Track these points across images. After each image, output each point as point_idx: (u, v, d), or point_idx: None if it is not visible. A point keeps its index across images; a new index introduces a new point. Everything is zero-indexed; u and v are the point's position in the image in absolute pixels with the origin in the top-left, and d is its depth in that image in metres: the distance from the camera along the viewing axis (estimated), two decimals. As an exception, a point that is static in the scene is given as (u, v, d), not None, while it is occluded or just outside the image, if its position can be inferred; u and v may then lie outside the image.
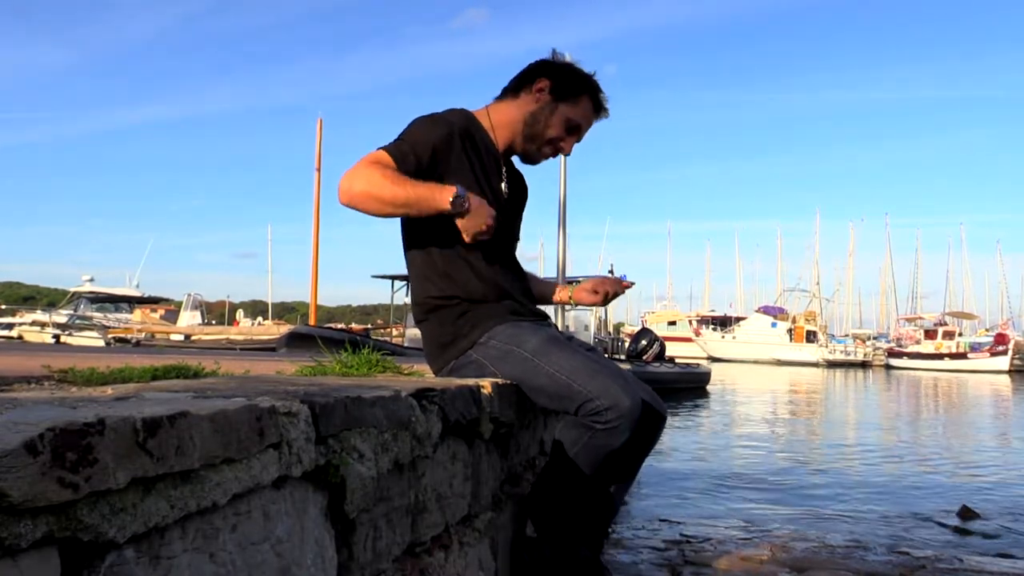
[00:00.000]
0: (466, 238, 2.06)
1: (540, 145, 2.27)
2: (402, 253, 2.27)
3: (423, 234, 2.17)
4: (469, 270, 2.16)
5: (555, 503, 2.16)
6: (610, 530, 2.93)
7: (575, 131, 2.28)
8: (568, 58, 2.38)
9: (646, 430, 2.22)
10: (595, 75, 2.29)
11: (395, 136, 2.10)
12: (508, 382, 2.10)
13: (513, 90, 2.27)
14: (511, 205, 2.33)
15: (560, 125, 2.24)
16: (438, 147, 2.07)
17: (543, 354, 2.08)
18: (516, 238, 2.43)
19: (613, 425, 1.97)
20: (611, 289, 2.56)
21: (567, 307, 2.76)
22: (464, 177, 2.11)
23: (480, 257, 2.17)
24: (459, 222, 2.03)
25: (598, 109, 2.30)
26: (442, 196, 1.98)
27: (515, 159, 2.38)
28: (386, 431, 1.41)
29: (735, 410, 14.86)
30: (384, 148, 2.04)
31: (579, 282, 2.61)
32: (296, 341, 18.03)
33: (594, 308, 20.35)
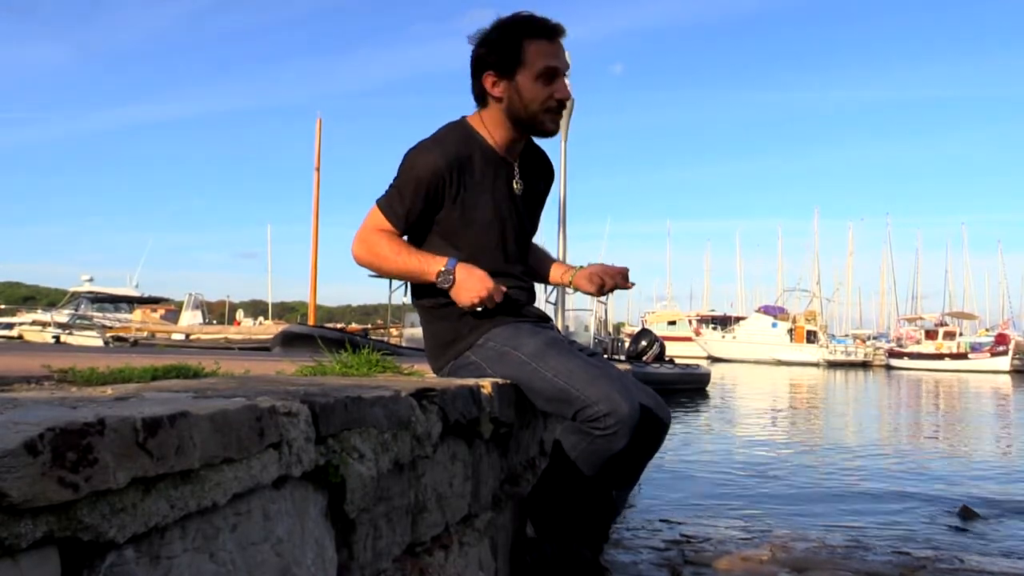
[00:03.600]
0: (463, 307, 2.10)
1: (537, 119, 2.16)
2: None
3: (428, 233, 2.19)
4: (491, 269, 2.14)
5: (555, 505, 2.16)
6: (611, 531, 2.94)
7: (552, 76, 2.11)
8: (484, 27, 2.18)
9: (647, 436, 2.21)
10: (518, 14, 2.13)
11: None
12: (508, 382, 2.10)
13: (479, 101, 2.21)
14: (527, 200, 2.31)
15: (535, 90, 2.10)
16: (428, 185, 2.10)
17: (540, 358, 2.07)
18: (534, 229, 2.43)
19: (611, 431, 1.96)
20: (609, 281, 2.42)
21: (567, 291, 2.62)
22: (459, 204, 2.14)
23: (486, 259, 2.16)
24: (451, 293, 2.09)
25: (549, 35, 2.11)
26: (431, 271, 2.09)
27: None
28: (386, 431, 1.41)
29: (735, 411, 14.86)
30: (379, 206, 2.14)
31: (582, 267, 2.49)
32: (290, 340, 17.98)
33: (594, 308, 20.35)
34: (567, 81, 2.17)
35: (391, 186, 2.15)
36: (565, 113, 2.29)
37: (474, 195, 2.16)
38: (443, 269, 2.07)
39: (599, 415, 1.96)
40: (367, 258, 2.16)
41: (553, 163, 2.52)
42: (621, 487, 2.36)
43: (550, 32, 2.11)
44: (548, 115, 2.16)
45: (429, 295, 2.20)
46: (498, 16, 2.16)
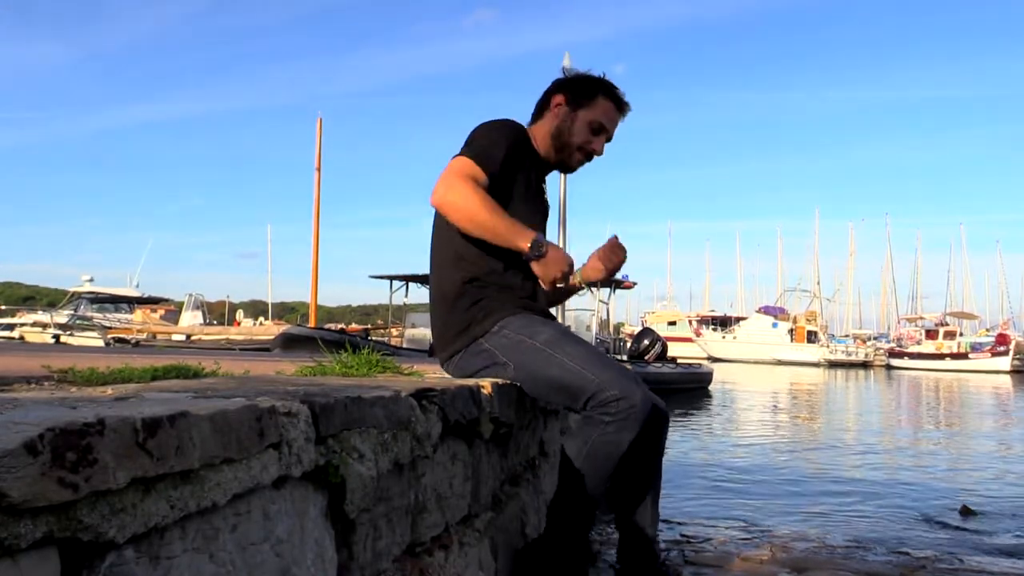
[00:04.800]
0: (544, 285, 2.21)
1: (571, 152, 2.39)
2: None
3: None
4: (507, 261, 2.23)
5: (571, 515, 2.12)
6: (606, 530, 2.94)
7: (600, 131, 2.38)
8: (576, 69, 2.49)
9: (654, 430, 2.24)
10: (605, 75, 2.41)
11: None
12: (508, 382, 2.11)
13: (538, 114, 2.43)
14: (544, 216, 2.48)
15: (583, 130, 2.36)
16: (511, 148, 2.21)
17: (555, 344, 2.10)
18: None
19: (623, 417, 1.97)
20: (614, 260, 2.49)
21: (580, 292, 2.75)
22: (516, 181, 2.26)
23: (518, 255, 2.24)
24: (534, 267, 2.17)
25: (618, 105, 2.40)
26: (523, 238, 2.12)
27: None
28: (386, 431, 1.41)
29: (737, 410, 14.86)
30: (469, 155, 2.14)
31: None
32: (291, 343, 17.95)
33: (595, 308, 20.34)
34: (605, 144, 2.42)
35: (474, 143, 2.18)
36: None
37: (527, 178, 2.31)
38: (536, 240, 2.12)
39: (612, 399, 1.97)
40: (460, 203, 2.09)
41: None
42: (644, 488, 2.36)
43: (620, 103, 2.42)
44: (579, 153, 2.39)
45: (449, 276, 2.23)
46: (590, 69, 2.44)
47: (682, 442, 8.60)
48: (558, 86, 2.41)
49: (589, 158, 2.42)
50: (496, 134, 2.21)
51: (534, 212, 2.34)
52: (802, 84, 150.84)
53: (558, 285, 2.19)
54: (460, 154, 2.15)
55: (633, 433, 1.99)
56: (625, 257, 2.53)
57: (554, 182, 13.30)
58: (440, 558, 1.72)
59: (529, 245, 2.12)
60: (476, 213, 2.08)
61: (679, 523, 4.09)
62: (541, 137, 2.39)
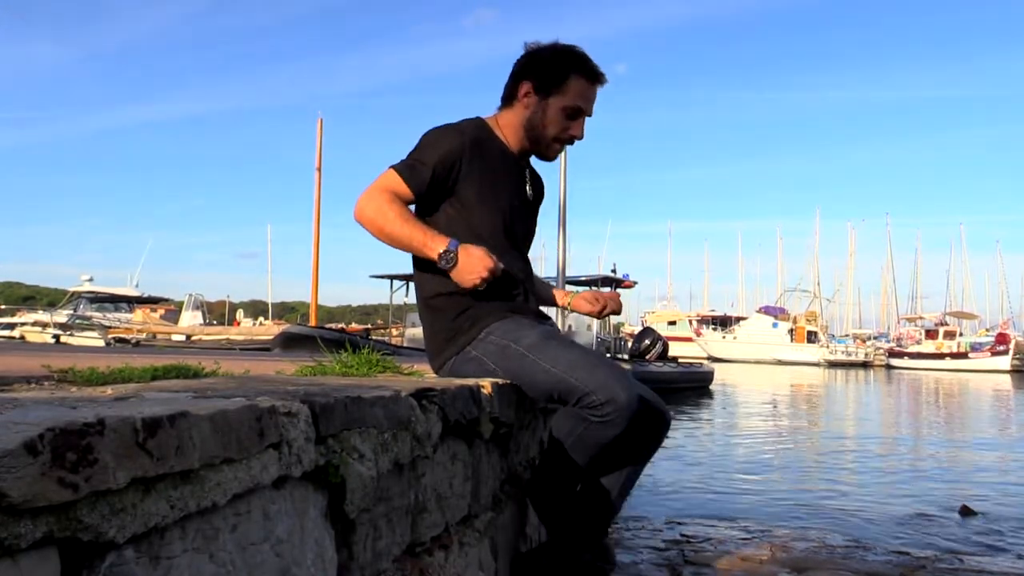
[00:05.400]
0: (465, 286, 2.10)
1: (547, 144, 2.28)
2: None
3: (437, 227, 2.16)
4: None
5: (553, 490, 2.15)
6: (609, 530, 2.94)
7: (576, 115, 2.24)
8: (540, 42, 2.30)
9: (647, 430, 2.22)
10: (576, 48, 2.24)
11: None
12: (508, 382, 2.10)
13: (506, 101, 2.29)
14: (532, 206, 2.40)
15: (557, 119, 2.22)
16: (447, 159, 2.13)
17: (540, 349, 2.08)
18: (532, 236, 2.48)
19: (609, 419, 1.97)
20: (609, 306, 2.61)
21: (566, 311, 2.80)
22: (475, 185, 2.17)
23: (495, 240, 2.19)
24: (452, 276, 2.08)
25: (593, 79, 2.24)
26: (433, 248, 2.06)
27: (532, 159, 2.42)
28: (386, 431, 1.41)
29: (737, 410, 14.86)
30: (396, 169, 2.11)
31: (580, 281, 2.67)
32: (290, 342, 17.96)
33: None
34: (584, 124, 2.28)
35: (409, 155, 2.16)
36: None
37: (491, 177, 2.21)
38: (446, 249, 2.05)
39: (597, 403, 1.96)
40: (373, 216, 2.06)
41: (546, 168, 2.58)
42: (622, 486, 2.35)
43: (595, 77, 2.24)
44: (557, 144, 2.29)
45: (432, 287, 2.20)
46: (557, 39, 2.27)
47: (682, 442, 8.59)
48: (523, 71, 2.24)
49: (570, 142, 2.31)
50: (429, 150, 2.13)
51: (495, 211, 2.22)
52: (802, 84, 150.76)
53: (479, 289, 2.08)
54: (392, 166, 2.13)
55: (619, 430, 2.00)
56: (619, 311, 2.67)
57: (553, 182, 13.25)
58: (440, 558, 1.72)
59: (438, 257, 2.05)
60: (385, 226, 2.06)
61: (679, 523, 4.09)
62: (511, 128, 2.27)
